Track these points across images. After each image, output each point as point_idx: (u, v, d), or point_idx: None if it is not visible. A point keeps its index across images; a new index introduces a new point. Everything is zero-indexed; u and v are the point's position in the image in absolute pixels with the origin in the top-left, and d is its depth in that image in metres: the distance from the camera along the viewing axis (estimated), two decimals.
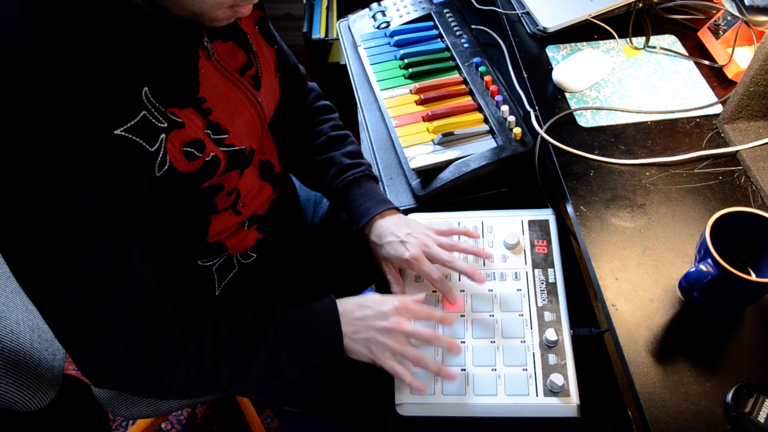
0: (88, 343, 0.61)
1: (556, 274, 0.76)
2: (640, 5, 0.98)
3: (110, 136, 0.52)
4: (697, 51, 0.94)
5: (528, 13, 1.00)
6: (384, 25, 1.10)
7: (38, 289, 0.58)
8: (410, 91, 0.98)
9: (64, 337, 0.61)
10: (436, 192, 0.86)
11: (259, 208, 0.77)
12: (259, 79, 0.71)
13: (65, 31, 0.51)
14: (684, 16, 0.98)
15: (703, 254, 0.61)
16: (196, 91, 0.61)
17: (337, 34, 1.17)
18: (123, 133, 0.53)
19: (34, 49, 0.49)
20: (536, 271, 0.77)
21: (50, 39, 0.50)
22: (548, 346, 0.70)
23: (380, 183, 0.91)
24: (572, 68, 0.88)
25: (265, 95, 0.72)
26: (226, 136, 0.65)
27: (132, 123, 0.54)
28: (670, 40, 0.96)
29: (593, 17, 0.98)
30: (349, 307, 0.72)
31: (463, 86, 0.97)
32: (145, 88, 0.56)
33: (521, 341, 0.72)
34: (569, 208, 0.75)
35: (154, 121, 0.56)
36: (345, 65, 1.09)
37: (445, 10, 1.08)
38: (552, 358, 0.70)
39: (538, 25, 0.98)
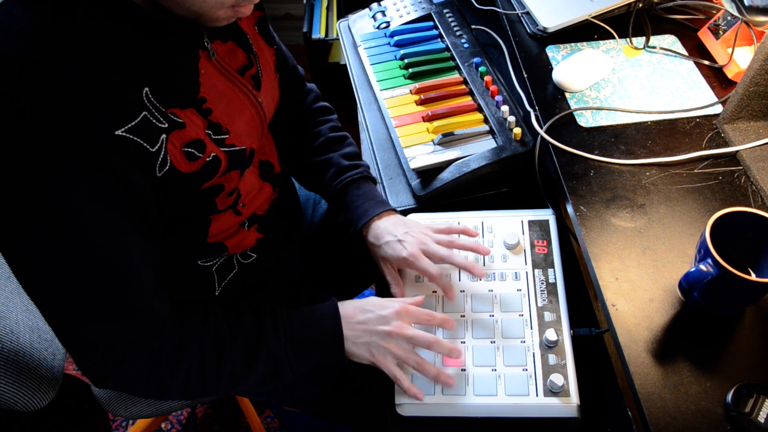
0: (89, 344, 0.61)
1: (556, 274, 0.76)
2: (640, 5, 0.98)
3: (111, 136, 0.53)
4: (697, 51, 0.94)
5: (528, 13, 1.00)
6: (384, 25, 1.10)
7: (39, 289, 0.58)
8: (410, 91, 0.98)
9: (65, 337, 0.61)
10: (436, 192, 0.86)
11: (259, 209, 0.77)
12: (259, 80, 0.71)
13: (66, 32, 0.51)
14: (684, 16, 0.99)
15: (703, 254, 0.61)
16: (196, 92, 0.61)
17: (337, 34, 1.17)
18: (124, 134, 0.53)
19: (35, 49, 0.49)
20: (536, 271, 0.77)
21: (51, 39, 0.50)
22: (548, 346, 0.70)
23: (380, 183, 0.91)
24: (572, 68, 0.88)
25: (265, 95, 0.73)
26: (227, 136, 0.65)
27: (133, 123, 0.54)
28: (670, 40, 0.96)
29: (593, 17, 0.98)
30: (350, 310, 0.72)
31: (463, 86, 0.97)
32: (146, 89, 0.56)
33: (521, 341, 0.72)
34: (569, 208, 0.75)
35: (154, 121, 0.56)
36: (345, 65, 1.09)
37: (445, 10, 1.08)
38: (552, 358, 0.70)
39: (538, 25, 0.98)
